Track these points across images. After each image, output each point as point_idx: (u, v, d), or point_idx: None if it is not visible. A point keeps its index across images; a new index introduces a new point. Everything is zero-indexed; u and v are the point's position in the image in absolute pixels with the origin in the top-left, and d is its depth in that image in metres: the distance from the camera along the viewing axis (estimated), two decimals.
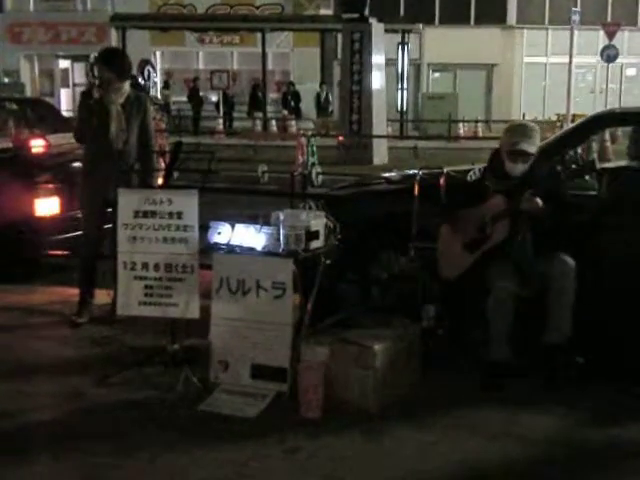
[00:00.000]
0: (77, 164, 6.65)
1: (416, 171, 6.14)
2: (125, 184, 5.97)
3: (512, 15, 33.41)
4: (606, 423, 4.52)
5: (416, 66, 33.46)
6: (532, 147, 5.09)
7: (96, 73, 6.45)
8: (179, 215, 5.12)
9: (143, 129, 6.35)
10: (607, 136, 20.05)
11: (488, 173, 5.28)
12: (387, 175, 7.32)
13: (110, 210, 6.16)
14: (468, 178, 5.74)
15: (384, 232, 5.80)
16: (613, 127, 8.25)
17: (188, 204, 5.12)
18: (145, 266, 5.21)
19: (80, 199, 6.57)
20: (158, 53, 35.42)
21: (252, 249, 4.93)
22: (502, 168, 5.18)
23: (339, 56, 24.74)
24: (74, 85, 34.60)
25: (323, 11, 32.74)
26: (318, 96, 29.50)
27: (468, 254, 5.19)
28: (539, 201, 4.89)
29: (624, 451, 4.22)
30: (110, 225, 6.23)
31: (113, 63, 6.23)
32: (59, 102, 32.35)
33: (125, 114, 6.21)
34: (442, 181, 5.61)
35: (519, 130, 5.20)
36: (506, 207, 5.04)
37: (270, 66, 32.72)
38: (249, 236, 4.94)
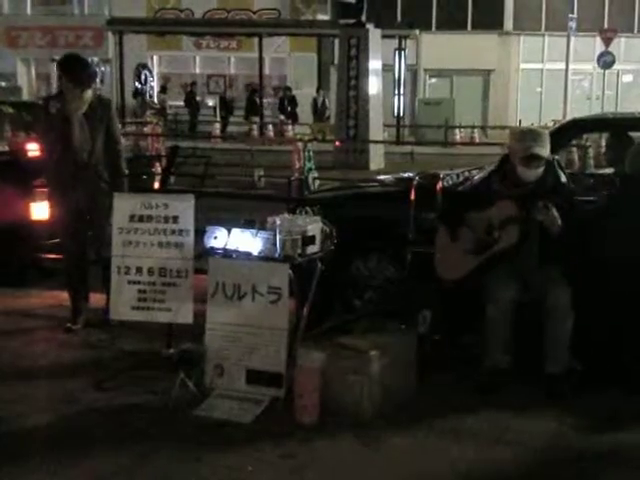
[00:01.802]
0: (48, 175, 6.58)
1: (411, 174, 6.17)
2: (95, 192, 5.95)
3: (509, 21, 33.45)
4: (603, 429, 4.52)
5: (413, 72, 33.49)
6: (545, 151, 5.07)
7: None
8: (175, 219, 5.12)
9: (109, 134, 6.21)
10: (603, 142, 20.05)
11: (497, 178, 5.25)
12: (382, 178, 7.35)
13: (88, 218, 6.14)
14: (445, 183, 5.78)
15: (359, 236, 5.77)
16: (585, 134, 8.37)
17: (184, 208, 5.12)
18: (139, 270, 5.20)
19: (52, 211, 6.48)
20: (155, 57, 35.45)
21: (248, 254, 4.92)
22: (514, 174, 5.15)
23: (336, 61, 24.76)
24: None
25: (320, 16, 32.77)
26: (315, 101, 29.54)
27: (472, 257, 5.16)
28: (555, 213, 4.88)
29: (621, 457, 4.22)
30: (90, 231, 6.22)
31: (72, 71, 6.07)
32: None
33: (88, 124, 6.07)
34: (439, 185, 5.63)
35: (530, 135, 5.18)
36: (516, 213, 5.02)
37: (267, 71, 32.79)
38: (245, 241, 4.93)
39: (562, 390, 4.90)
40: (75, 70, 6.08)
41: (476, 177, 6.00)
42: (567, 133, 6.43)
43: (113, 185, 6.15)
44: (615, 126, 6.69)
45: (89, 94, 6.13)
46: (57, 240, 6.70)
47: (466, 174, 6.33)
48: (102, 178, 6.18)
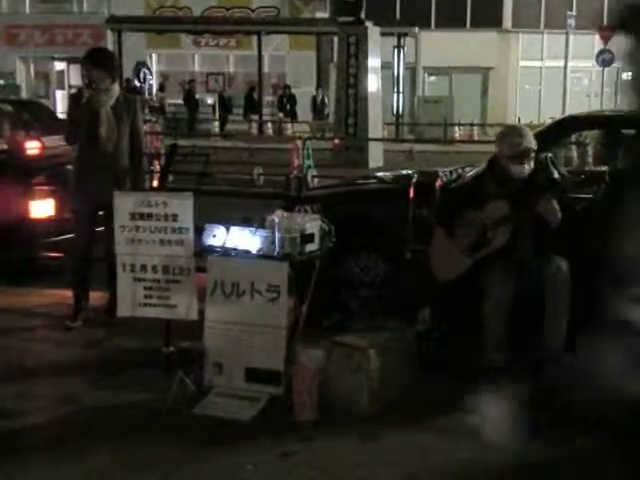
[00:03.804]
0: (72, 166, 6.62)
1: (409, 171, 6.18)
2: (118, 187, 5.98)
3: (508, 19, 33.47)
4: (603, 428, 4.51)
5: (412, 69, 33.50)
6: (533, 144, 5.13)
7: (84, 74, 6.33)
8: (174, 218, 5.12)
9: (133, 132, 6.29)
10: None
11: (488, 179, 5.27)
12: (380, 174, 7.38)
13: (102, 213, 6.15)
14: (439, 182, 5.81)
15: (352, 234, 5.77)
16: (577, 132, 8.37)
17: (183, 207, 5.11)
18: (144, 268, 5.21)
19: (71, 202, 6.53)
20: (154, 55, 35.43)
21: (247, 252, 4.92)
22: (504, 173, 5.17)
23: (335, 59, 24.75)
24: (70, 87, 34.55)
25: (319, 14, 32.77)
26: (314, 99, 29.54)
27: (467, 257, 5.18)
28: (556, 206, 4.91)
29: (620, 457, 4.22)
30: (102, 228, 6.22)
31: (103, 63, 6.16)
32: (54, 104, 32.31)
33: (115, 116, 6.15)
34: (437, 184, 5.65)
35: (515, 132, 5.24)
36: (509, 213, 5.03)
37: (266, 69, 32.77)
38: (244, 239, 4.94)
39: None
40: (107, 62, 6.20)
41: (468, 175, 6.02)
42: (560, 130, 6.41)
43: (135, 181, 6.21)
44: (608, 123, 6.70)
45: (116, 87, 6.25)
46: (56, 239, 6.70)
47: (459, 171, 6.36)
48: (127, 173, 6.24)
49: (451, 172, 6.25)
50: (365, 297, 5.98)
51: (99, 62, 6.17)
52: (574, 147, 15.59)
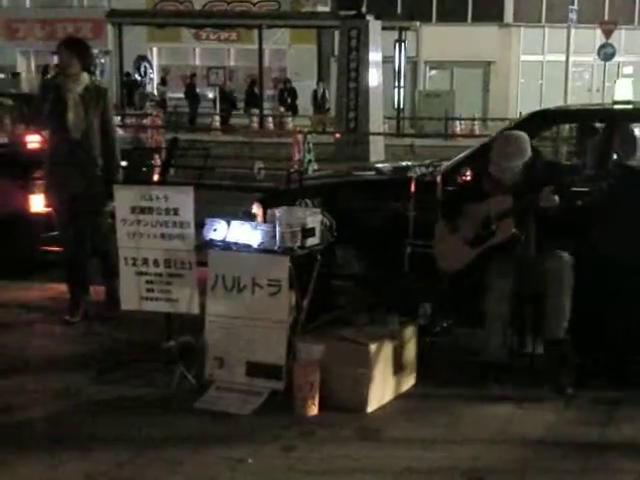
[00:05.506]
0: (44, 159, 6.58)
1: (409, 163, 6.18)
2: (87, 178, 5.96)
3: (509, 13, 33.40)
4: (604, 422, 4.51)
5: (413, 63, 33.44)
6: (521, 159, 5.03)
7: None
8: (175, 211, 5.11)
9: (104, 122, 6.22)
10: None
11: (485, 177, 5.24)
12: (379, 166, 7.37)
13: (82, 205, 6.12)
14: (413, 174, 5.82)
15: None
16: (550, 126, 8.28)
17: (184, 201, 5.10)
18: (145, 261, 5.21)
19: (46, 196, 6.52)
20: (155, 49, 35.39)
21: (248, 246, 4.91)
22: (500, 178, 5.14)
23: (336, 53, 24.72)
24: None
25: (320, 8, 32.69)
26: (315, 93, 29.50)
27: (470, 249, 5.16)
28: (557, 198, 4.88)
29: (620, 451, 4.22)
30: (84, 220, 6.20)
31: (77, 49, 6.21)
32: None
33: (83, 104, 6.11)
34: (439, 179, 5.65)
35: (504, 154, 5.07)
36: (513, 205, 5.01)
37: (267, 63, 32.72)
38: (245, 233, 4.93)
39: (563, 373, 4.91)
40: (82, 49, 6.25)
41: (442, 167, 6.06)
42: (532, 125, 6.37)
43: (107, 173, 6.15)
44: (580, 117, 6.69)
45: (86, 76, 6.22)
46: (55, 232, 6.69)
47: (436, 164, 6.38)
48: (97, 164, 6.17)
49: (427, 166, 6.29)
50: (356, 291, 5.98)
51: (73, 47, 6.20)
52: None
